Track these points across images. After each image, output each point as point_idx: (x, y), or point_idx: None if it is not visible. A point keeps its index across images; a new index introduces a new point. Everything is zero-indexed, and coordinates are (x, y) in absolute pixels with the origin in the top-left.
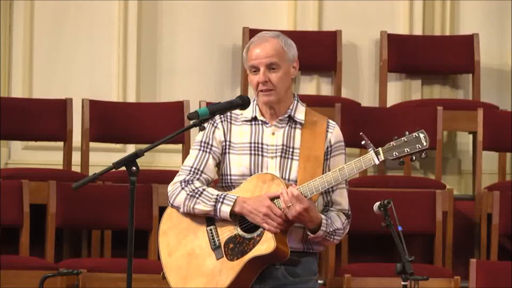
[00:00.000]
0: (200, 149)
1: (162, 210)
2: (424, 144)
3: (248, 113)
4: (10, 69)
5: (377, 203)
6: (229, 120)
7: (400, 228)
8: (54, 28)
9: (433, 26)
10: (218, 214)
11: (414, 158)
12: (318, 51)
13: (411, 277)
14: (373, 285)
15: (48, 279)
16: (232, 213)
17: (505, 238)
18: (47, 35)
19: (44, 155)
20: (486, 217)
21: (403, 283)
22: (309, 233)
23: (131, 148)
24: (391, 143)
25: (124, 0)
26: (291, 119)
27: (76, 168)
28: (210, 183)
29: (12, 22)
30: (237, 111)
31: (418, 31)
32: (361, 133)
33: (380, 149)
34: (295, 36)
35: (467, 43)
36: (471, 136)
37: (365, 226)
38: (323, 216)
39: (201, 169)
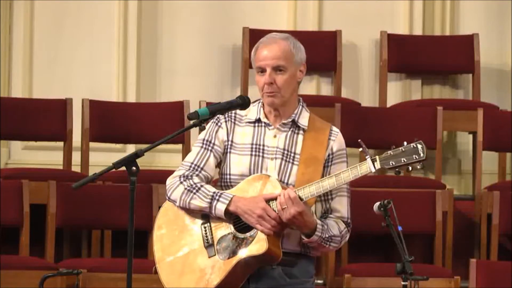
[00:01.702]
0: (202, 147)
1: None
2: (421, 155)
3: (252, 114)
4: (10, 69)
5: (377, 203)
6: (233, 120)
7: (400, 228)
8: (54, 28)
9: (433, 26)
10: (213, 212)
11: (410, 168)
12: (318, 51)
13: (411, 277)
14: (373, 285)
15: (48, 279)
16: (227, 211)
17: (505, 238)
18: (47, 35)
19: (44, 155)
20: (486, 217)
21: (403, 283)
22: (303, 237)
23: (131, 148)
24: (389, 152)
25: (124, 0)
26: (294, 124)
27: (76, 168)
28: (209, 181)
29: (12, 22)
30: (242, 112)
31: (418, 31)
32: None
33: (377, 157)
34: (295, 36)
35: (467, 43)
36: (471, 136)
37: (365, 226)
38: (319, 222)
39: (201, 165)
